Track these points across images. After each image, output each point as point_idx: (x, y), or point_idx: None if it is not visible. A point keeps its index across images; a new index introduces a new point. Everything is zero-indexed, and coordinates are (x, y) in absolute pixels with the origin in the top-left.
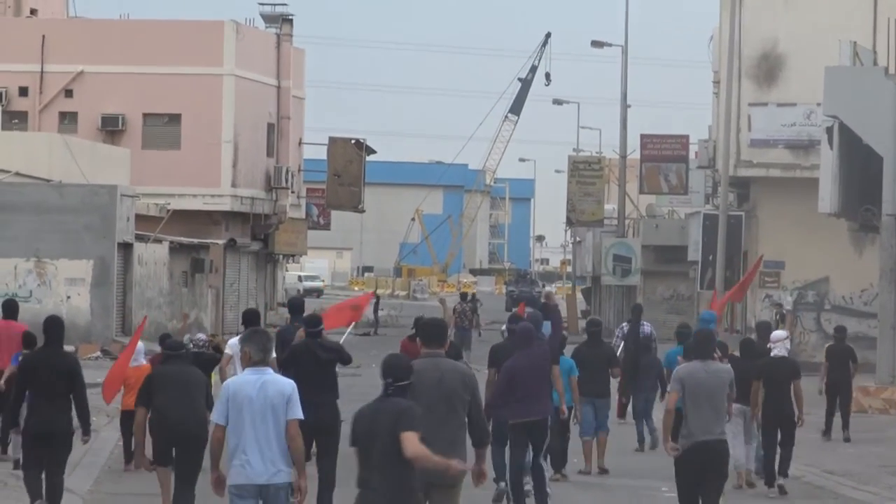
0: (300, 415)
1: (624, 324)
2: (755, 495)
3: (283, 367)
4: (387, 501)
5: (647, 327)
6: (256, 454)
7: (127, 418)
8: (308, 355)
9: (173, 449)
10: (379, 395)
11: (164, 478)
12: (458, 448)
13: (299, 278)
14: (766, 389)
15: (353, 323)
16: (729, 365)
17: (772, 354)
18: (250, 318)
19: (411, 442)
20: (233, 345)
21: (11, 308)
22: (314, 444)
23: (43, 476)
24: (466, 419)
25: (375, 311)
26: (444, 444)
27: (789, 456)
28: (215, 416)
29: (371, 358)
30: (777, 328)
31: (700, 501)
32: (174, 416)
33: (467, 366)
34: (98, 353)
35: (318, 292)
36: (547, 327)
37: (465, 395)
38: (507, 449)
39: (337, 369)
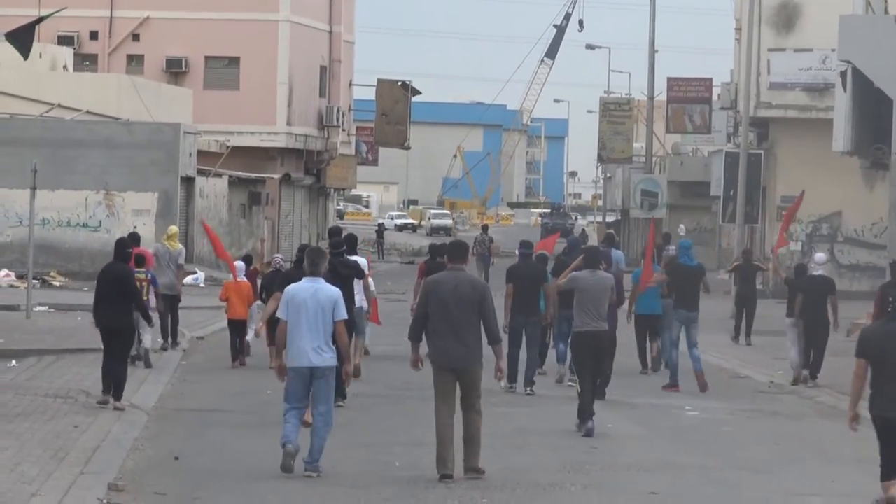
0: (345, 316)
1: None
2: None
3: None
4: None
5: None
6: (309, 344)
7: (233, 326)
8: (332, 271)
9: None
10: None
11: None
12: (475, 342)
13: (429, 217)
14: (808, 300)
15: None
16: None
17: (814, 273)
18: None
19: None
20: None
21: (135, 239)
22: None
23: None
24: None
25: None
26: (464, 337)
27: (821, 359)
28: (279, 313)
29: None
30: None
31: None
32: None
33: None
34: None
35: (446, 230)
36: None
37: (474, 297)
38: (519, 351)
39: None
